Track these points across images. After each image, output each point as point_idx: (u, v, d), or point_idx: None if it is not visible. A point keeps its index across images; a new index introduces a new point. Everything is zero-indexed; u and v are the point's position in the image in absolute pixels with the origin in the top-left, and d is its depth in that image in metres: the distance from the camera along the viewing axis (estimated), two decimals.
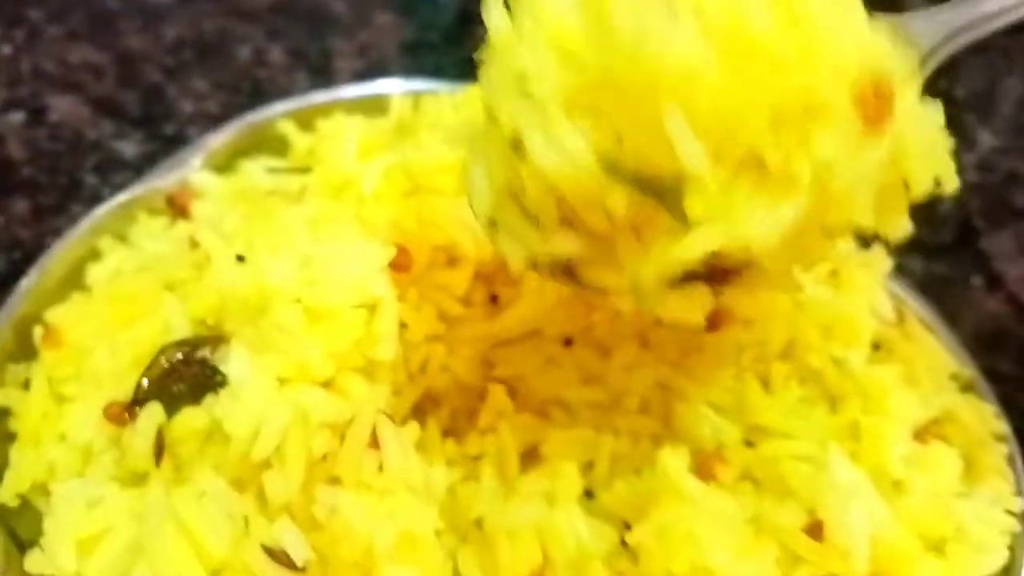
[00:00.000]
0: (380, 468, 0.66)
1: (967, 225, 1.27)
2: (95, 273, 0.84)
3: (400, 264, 0.74)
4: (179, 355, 0.71)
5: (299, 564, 0.62)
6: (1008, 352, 1.13)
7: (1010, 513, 0.79)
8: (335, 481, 0.66)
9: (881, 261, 0.89)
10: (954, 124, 1.51)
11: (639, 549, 0.66)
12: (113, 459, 0.70)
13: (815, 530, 0.68)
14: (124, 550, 0.64)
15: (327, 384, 0.67)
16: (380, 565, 0.62)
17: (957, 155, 1.46)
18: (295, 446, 0.65)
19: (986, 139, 1.43)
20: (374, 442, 0.66)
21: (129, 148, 1.10)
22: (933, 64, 0.68)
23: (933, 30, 0.68)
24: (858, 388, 0.79)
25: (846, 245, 0.86)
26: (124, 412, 0.69)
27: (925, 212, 1.31)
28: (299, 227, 0.75)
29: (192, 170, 0.93)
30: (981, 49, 1.36)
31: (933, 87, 1.61)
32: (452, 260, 0.81)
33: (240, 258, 0.73)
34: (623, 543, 0.68)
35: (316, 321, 0.68)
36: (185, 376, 0.70)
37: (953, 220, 1.28)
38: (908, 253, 1.22)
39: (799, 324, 0.81)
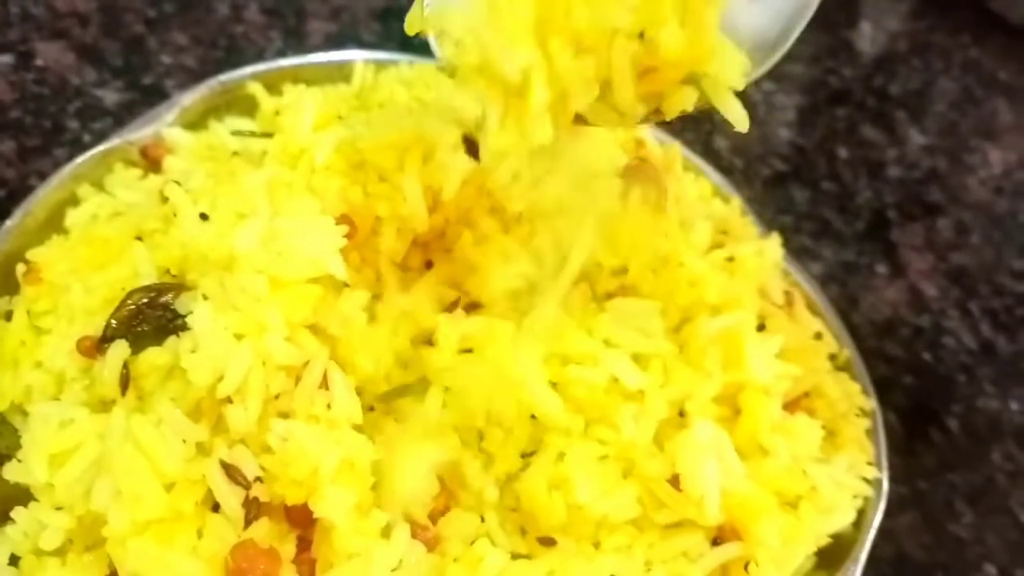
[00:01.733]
0: (328, 407, 0.77)
1: (881, 216, 1.38)
2: (73, 217, 0.94)
3: (346, 234, 0.85)
4: (145, 299, 0.81)
5: (250, 479, 0.74)
6: (899, 337, 1.25)
7: (863, 480, 0.93)
8: (287, 416, 0.77)
9: (774, 250, 1.00)
10: (885, 120, 1.64)
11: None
12: (83, 387, 0.81)
13: (676, 481, 0.81)
14: (90, 465, 0.75)
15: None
16: (323, 485, 0.73)
17: (882, 150, 1.58)
18: (256, 385, 0.75)
19: (914, 136, 1.52)
20: (324, 384, 0.78)
21: (110, 96, 1.19)
22: None
23: None
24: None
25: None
26: (94, 347, 0.80)
27: (842, 202, 1.42)
28: (258, 191, 0.85)
29: (166, 125, 1.02)
30: (919, 48, 1.49)
31: (868, 83, 1.71)
32: (392, 229, 0.92)
33: (204, 216, 0.83)
34: None
35: (277, 289, 0.78)
36: (149, 318, 0.81)
37: (868, 211, 1.39)
38: (821, 239, 1.34)
39: (692, 302, 0.92)
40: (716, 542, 0.83)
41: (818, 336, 0.99)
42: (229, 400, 0.76)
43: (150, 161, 1.00)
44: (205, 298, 0.78)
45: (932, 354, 1.25)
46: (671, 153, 1.02)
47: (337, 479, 0.74)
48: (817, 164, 1.42)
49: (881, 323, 1.25)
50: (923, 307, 1.29)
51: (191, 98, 1.06)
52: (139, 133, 1.02)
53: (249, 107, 1.08)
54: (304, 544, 0.76)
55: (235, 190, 0.85)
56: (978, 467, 1.15)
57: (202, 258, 0.81)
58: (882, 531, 0.97)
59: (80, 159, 0.99)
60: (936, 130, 1.53)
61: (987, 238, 1.39)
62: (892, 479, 0.97)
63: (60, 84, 1.18)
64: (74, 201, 0.97)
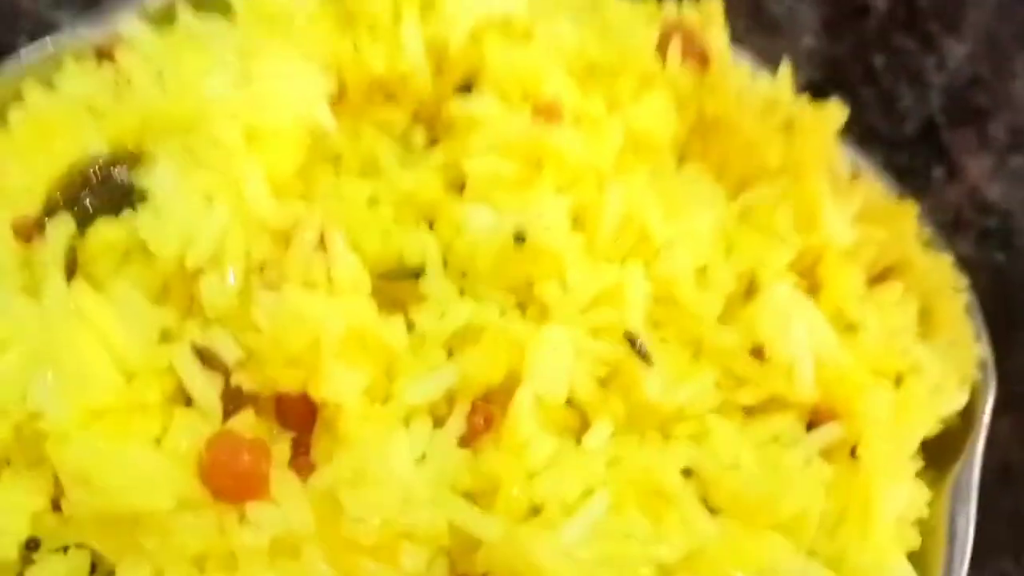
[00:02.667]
0: (328, 273, 0.62)
1: (929, 121, 1.26)
2: (16, 113, 0.80)
3: (335, 95, 0.71)
4: (93, 170, 0.67)
5: (229, 363, 0.59)
6: (967, 238, 1.12)
7: (970, 358, 0.78)
8: (275, 287, 0.61)
9: (837, 113, 0.86)
10: (918, 31, 1.49)
11: None
12: (24, 279, 0.66)
13: (758, 352, 0.66)
14: (28, 360, 0.60)
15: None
16: (326, 363, 0.58)
17: (919, 58, 1.43)
18: (234, 249, 0.61)
19: (952, 45, 1.41)
20: (321, 245, 0.62)
21: (64, 18, 1.06)
22: None
23: None
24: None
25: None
26: (33, 226, 0.65)
27: (886, 107, 1.29)
28: (227, 51, 0.71)
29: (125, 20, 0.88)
30: None
31: None
32: (390, 97, 0.78)
33: (162, 78, 0.69)
34: None
35: (256, 141, 0.65)
36: (99, 192, 0.66)
37: (915, 115, 1.26)
38: (869, 144, 1.20)
39: (750, 168, 0.78)
40: (811, 427, 0.67)
41: (900, 197, 0.84)
42: (202, 273, 0.61)
43: (105, 57, 0.86)
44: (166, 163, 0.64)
45: (1005, 255, 1.11)
46: (710, 8, 0.89)
47: (343, 355, 0.59)
48: (853, 72, 1.30)
49: (946, 225, 1.11)
50: (987, 209, 1.16)
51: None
52: (94, 31, 0.88)
53: (223, 9, 0.94)
54: (301, 448, 0.61)
55: (198, 49, 0.71)
56: None
57: (163, 121, 0.67)
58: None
59: (25, 55, 0.85)
60: (973, 38, 1.42)
61: None
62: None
63: (10, 6, 1.06)
64: (19, 98, 0.82)
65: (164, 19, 0.91)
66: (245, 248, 0.61)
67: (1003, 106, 1.32)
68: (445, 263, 0.68)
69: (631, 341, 0.62)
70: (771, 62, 1.30)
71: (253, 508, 0.55)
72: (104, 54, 0.86)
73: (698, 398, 0.65)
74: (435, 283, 0.66)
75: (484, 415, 0.61)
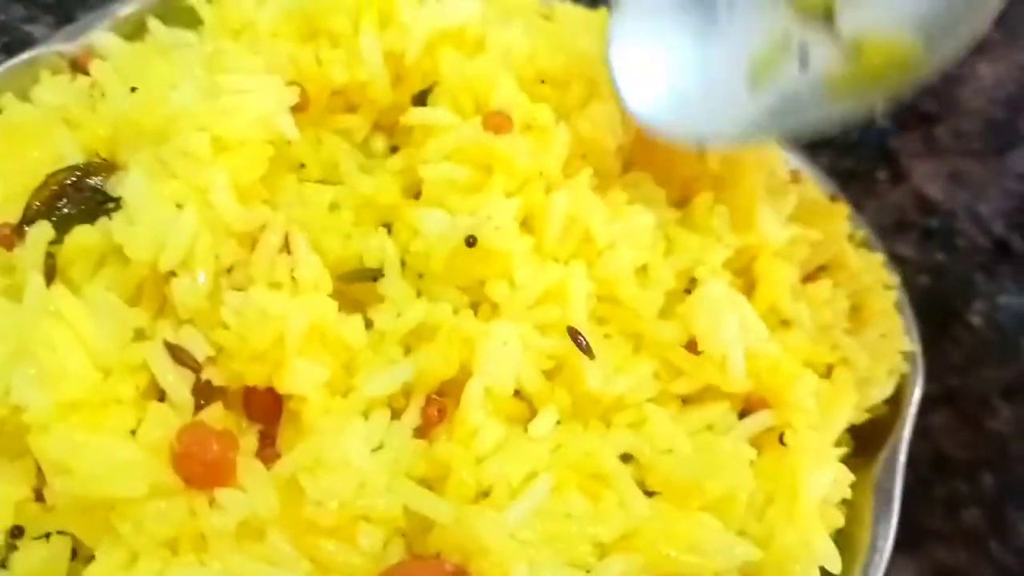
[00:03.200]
0: (292, 273, 0.66)
1: (875, 126, 1.30)
2: None
3: (298, 104, 0.75)
4: (70, 180, 0.71)
5: (200, 360, 0.63)
6: (909, 239, 1.17)
7: (899, 352, 0.83)
8: (242, 287, 0.66)
9: None
10: None
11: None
12: (5, 284, 0.70)
13: (693, 346, 0.70)
14: (9, 358, 0.63)
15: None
16: (290, 358, 0.62)
17: None
18: (203, 253, 0.65)
19: None
20: (285, 247, 0.67)
21: (40, 31, 1.09)
22: None
23: None
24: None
25: None
26: (13, 233, 0.69)
27: None
28: (195, 64, 0.75)
29: (97, 33, 0.92)
30: None
31: None
32: (351, 107, 0.82)
33: (134, 89, 0.73)
34: None
35: (223, 151, 0.68)
36: (75, 200, 0.70)
37: (861, 121, 1.30)
38: (816, 148, 1.25)
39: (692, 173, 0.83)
40: (743, 415, 0.72)
41: (834, 199, 0.89)
42: (173, 275, 0.65)
43: (80, 70, 0.90)
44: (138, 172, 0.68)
45: (946, 255, 1.16)
46: None
47: (305, 351, 0.63)
48: None
49: (889, 226, 1.17)
50: (931, 210, 1.21)
51: (127, 9, 0.96)
52: (69, 44, 0.92)
53: (190, 21, 0.97)
54: (267, 440, 0.65)
55: (167, 61, 0.75)
56: (1009, 362, 1.05)
57: (134, 131, 0.71)
58: (917, 430, 0.87)
59: (1, 67, 0.89)
60: None
61: (987, 144, 1.32)
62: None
63: None
64: None
65: (136, 32, 0.95)
66: (214, 252, 0.65)
67: (950, 111, 1.37)
68: (403, 264, 0.72)
69: (574, 336, 0.66)
70: None
71: (221, 494, 0.59)
72: (79, 67, 0.90)
73: (636, 388, 0.69)
74: (393, 284, 0.70)
75: (438, 407, 0.66)
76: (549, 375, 0.68)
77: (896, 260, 1.12)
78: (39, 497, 0.63)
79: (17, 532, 0.62)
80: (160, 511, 0.58)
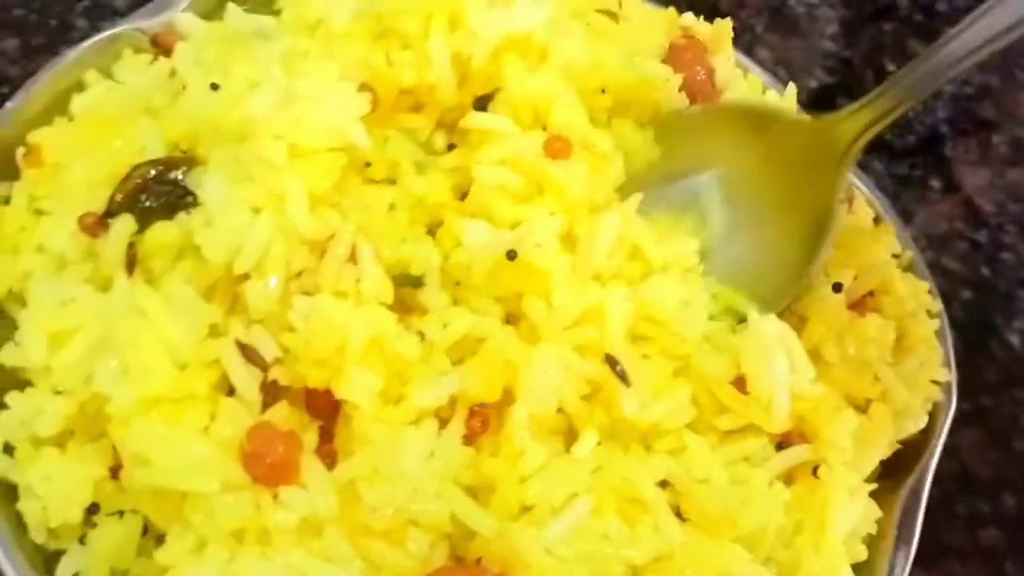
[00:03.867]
0: (357, 283, 0.70)
1: (933, 131, 1.30)
2: (79, 101, 0.87)
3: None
4: (152, 173, 0.74)
5: (268, 360, 0.67)
6: (955, 251, 1.18)
7: (935, 382, 0.85)
8: (310, 293, 0.69)
9: None
10: (933, 36, 1.55)
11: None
12: (88, 270, 0.74)
13: (741, 383, 0.73)
14: (92, 347, 0.68)
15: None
16: (349, 366, 0.66)
17: None
18: (277, 259, 0.68)
19: None
20: (352, 258, 0.70)
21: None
22: (855, 154, 0.81)
23: (850, 126, 0.80)
24: None
25: None
26: (97, 223, 0.73)
27: None
28: (273, 61, 0.78)
29: (178, 12, 0.94)
30: None
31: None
32: (417, 106, 0.84)
33: (215, 86, 0.76)
34: None
35: (297, 158, 0.71)
36: (157, 193, 0.74)
37: (920, 125, 1.30)
38: (871, 152, 1.26)
39: None
40: (780, 446, 0.75)
41: (876, 221, 0.90)
42: (247, 277, 0.69)
43: (161, 49, 0.93)
44: (215, 171, 0.71)
45: (991, 268, 1.17)
46: (721, 31, 0.94)
47: (364, 360, 0.67)
48: (864, 77, 1.34)
49: (937, 237, 1.18)
50: (980, 222, 1.21)
51: None
52: (150, 21, 0.95)
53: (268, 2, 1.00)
54: (327, 436, 0.70)
55: (248, 59, 0.78)
56: None
57: (213, 129, 0.74)
58: (945, 447, 0.90)
59: (87, 43, 0.91)
60: None
61: None
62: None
63: None
64: (80, 88, 0.89)
65: (215, 9, 0.97)
66: (286, 258, 0.69)
67: (1009, 118, 1.36)
68: (442, 271, 0.74)
69: (611, 364, 0.69)
70: (786, 63, 1.36)
71: (285, 492, 0.64)
72: (159, 44, 0.93)
73: (673, 415, 0.71)
74: (433, 294, 0.73)
75: (481, 419, 0.69)
76: (587, 396, 0.71)
77: (941, 272, 1.14)
78: (114, 475, 0.68)
79: (94, 509, 0.68)
80: (228, 504, 0.63)
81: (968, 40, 0.75)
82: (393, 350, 0.68)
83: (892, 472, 0.83)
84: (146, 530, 0.68)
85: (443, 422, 0.69)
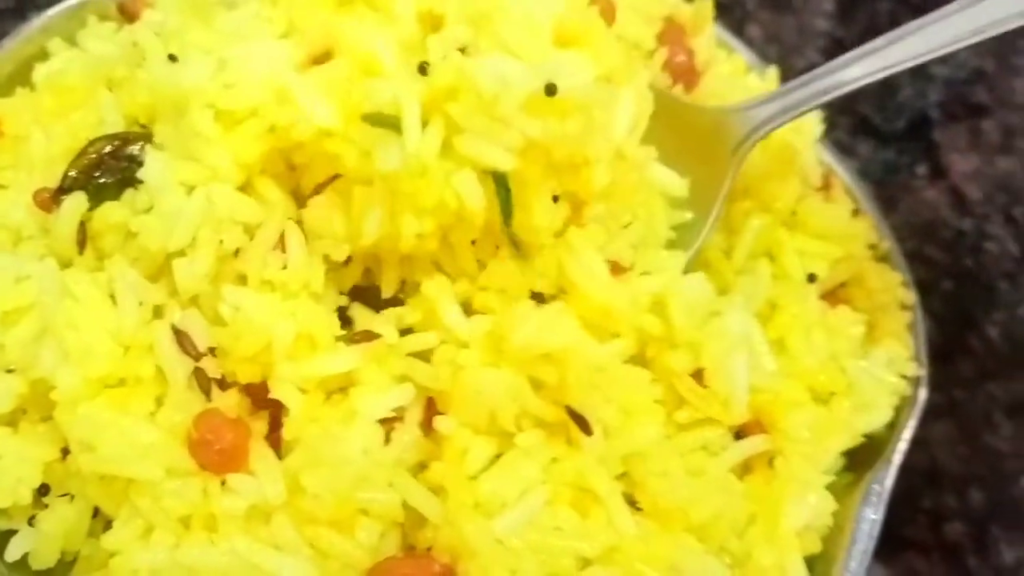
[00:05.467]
0: (284, 268, 0.68)
1: (922, 115, 1.28)
2: (42, 71, 0.85)
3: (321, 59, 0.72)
4: (108, 148, 0.73)
5: (201, 349, 0.66)
6: (939, 240, 1.16)
7: (902, 376, 0.84)
8: (242, 280, 0.68)
9: (811, 127, 0.91)
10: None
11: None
12: (43, 245, 0.73)
13: (700, 376, 0.72)
14: (37, 328, 0.67)
15: (243, 187, 0.69)
16: (278, 362, 0.65)
17: None
18: (206, 238, 0.67)
19: None
20: (281, 244, 0.68)
21: None
22: (747, 149, 0.82)
23: (746, 120, 0.82)
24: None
25: None
26: (52, 199, 0.72)
27: (882, 99, 1.32)
28: (233, 29, 0.75)
29: None
30: None
31: None
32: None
33: (172, 57, 0.74)
34: None
35: (229, 128, 0.68)
36: (112, 169, 0.72)
37: (910, 109, 1.28)
38: (857, 135, 1.24)
39: None
40: (739, 436, 0.74)
41: (855, 213, 0.89)
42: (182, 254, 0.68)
43: (128, 16, 0.91)
44: (159, 148, 0.70)
45: (974, 259, 1.15)
46: (701, 11, 0.92)
47: (294, 355, 0.66)
48: None
49: (920, 225, 1.16)
50: (965, 210, 1.19)
51: None
52: None
53: None
54: (277, 423, 0.69)
55: (207, 29, 0.76)
56: (1019, 378, 1.06)
57: (168, 104, 0.72)
58: (915, 440, 0.89)
59: (51, 11, 0.90)
60: None
61: None
62: (928, 387, 0.88)
63: None
64: (44, 57, 0.88)
65: None
66: (216, 238, 0.67)
67: (1002, 104, 1.33)
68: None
69: (573, 415, 0.67)
70: (778, 41, 1.33)
71: (233, 479, 0.63)
72: (126, 11, 0.91)
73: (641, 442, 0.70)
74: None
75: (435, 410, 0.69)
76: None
77: (923, 262, 1.13)
78: (65, 455, 0.68)
79: (44, 490, 0.67)
80: (175, 490, 0.63)
81: (877, 62, 0.82)
82: (327, 343, 0.67)
83: (856, 465, 0.82)
84: (96, 512, 0.68)
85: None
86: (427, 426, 0.68)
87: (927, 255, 1.14)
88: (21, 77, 0.86)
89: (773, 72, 1.00)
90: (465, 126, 0.64)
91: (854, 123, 1.24)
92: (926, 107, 1.29)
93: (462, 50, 0.67)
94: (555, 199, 0.70)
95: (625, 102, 0.70)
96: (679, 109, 0.85)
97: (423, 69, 0.66)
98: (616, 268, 0.74)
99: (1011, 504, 0.99)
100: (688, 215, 0.83)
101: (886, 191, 1.18)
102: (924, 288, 1.05)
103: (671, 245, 0.82)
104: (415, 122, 0.63)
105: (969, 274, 1.14)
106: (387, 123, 0.64)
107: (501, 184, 0.65)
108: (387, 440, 0.66)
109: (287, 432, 0.66)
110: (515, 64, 0.64)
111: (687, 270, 0.78)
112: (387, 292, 0.72)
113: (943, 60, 1.35)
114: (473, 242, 0.70)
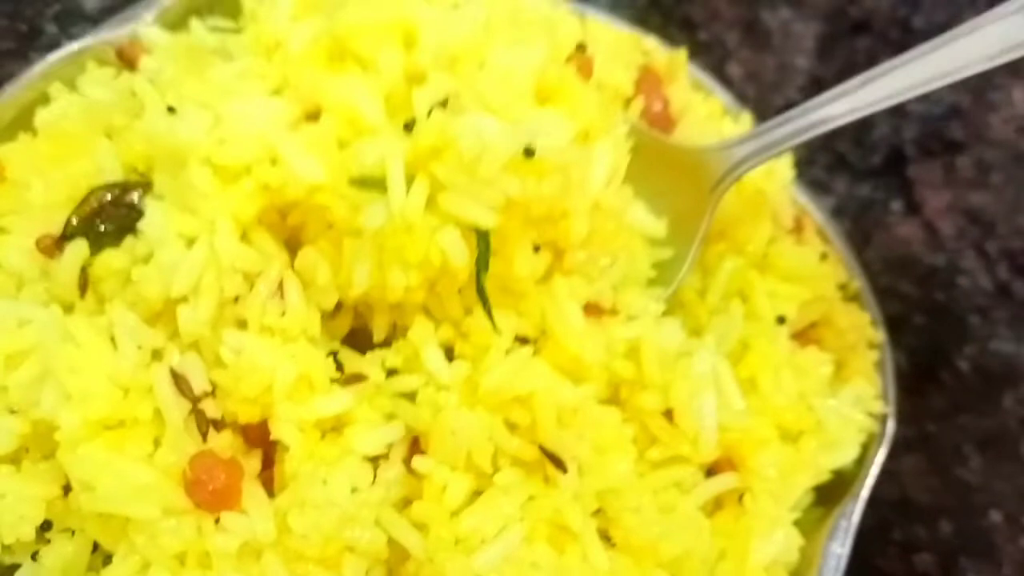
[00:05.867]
0: (283, 314, 0.71)
1: (898, 152, 1.32)
2: (43, 116, 0.88)
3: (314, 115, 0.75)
4: (108, 197, 0.76)
5: (197, 393, 0.69)
6: (912, 275, 1.20)
7: (870, 414, 0.88)
8: (242, 325, 0.71)
9: (783, 170, 0.94)
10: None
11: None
12: (44, 289, 0.76)
13: (669, 415, 0.76)
14: (41, 370, 0.70)
15: (241, 236, 0.72)
16: (278, 402, 0.69)
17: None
18: (208, 285, 0.70)
19: None
20: (280, 291, 0.72)
21: (90, 1, 1.13)
22: (724, 188, 0.85)
23: (724, 159, 0.85)
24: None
25: None
26: (54, 245, 0.75)
27: (858, 136, 1.36)
28: (228, 83, 0.79)
29: (144, 24, 0.96)
30: None
31: (891, 14, 1.63)
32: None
33: (171, 109, 0.77)
34: None
35: (226, 183, 0.71)
36: (113, 216, 0.76)
37: (885, 145, 1.32)
38: (834, 172, 1.28)
39: None
40: (710, 473, 0.78)
41: (824, 256, 0.93)
42: (185, 300, 0.71)
43: (126, 62, 0.94)
44: (159, 198, 0.73)
45: (946, 294, 1.19)
46: (675, 62, 0.96)
47: (293, 396, 0.69)
48: None
49: (894, 260, 1.20)
50: (938, 246, 1.23)
51: None
52: (116, 33, 0.96)
53: (234, 9, 1.00)
54: (270, 461, 0.72)
55: (203, 82, 0.79)
56: (989, 411, 1.10)
57: (166, 155, 0.76)
58: (886, 472, 0.93)
59: (52, 57, 0.93)
60: None
61: (1009, 178, 1.32)
62: (899, 420, 0.92)
63: None
64: (45, 101, 0.91)
65: (181, 20, 0.99)
66: (218, 286, 0.70)
67: (977, 139, 1.37)
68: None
69: (550, 455, 0.71)
70: (757, 79, 1.37)
71: (226, 517, 0.67)
72: (124, 57, 0.95)
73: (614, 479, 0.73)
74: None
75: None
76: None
77: (895, 297, 1.16)
78: (66, 492, 0.71)
79: (46, 526, 0.70)
80: (171, 528, 0.66)
81: (853, 102, 0.85)
82: (323, 385, 0.70)
83: (825, 500, 0.86)
84: (96, 547, 0.71)
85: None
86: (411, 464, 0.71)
87: (900, 290, 1.17)
88: (23, 122, 0.89)
89: (747, 117, 1.04)
90: (448, 184, 0.67)
91: (831, 160, 1.28)
92: (902, 143, 1.33)
93: (444, 103, 0.70)
94: (536, 249, 0.74)
95: (602, 156, 0.73)
96: (659, 148, 0.89)
97: (408, 127, 0.69)
98: (597, 310, 0.78)
99: (980, 536, 1.02)
100: (668, 252, 0.86)
101: (861, 227, 1.22)
102: (896, 323, 1.09)
103: (652, 283, 0.85)
104: (400, 182, 0.67)
105: (941, 308, 1.18)
106: (374, 185, 0.68)
107: (483, 240, 0.69)
108: (375, 477, 0.69)
109: (288, 468, 0.69)
110: (495, 124, 0.67)
111: (667, 304, 0.82)
112: (378, 337, 0.75)
113: (920, 97, 1.40)
114: (460, 290, 0.74)
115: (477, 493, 0.70)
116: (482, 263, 0.70)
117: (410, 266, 0.69)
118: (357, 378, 0.72)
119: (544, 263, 0.75)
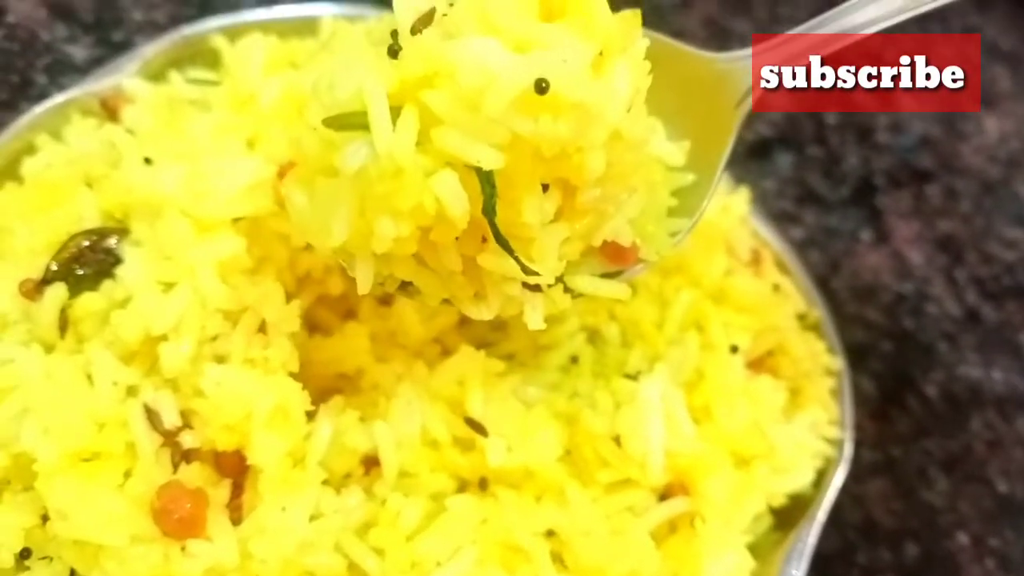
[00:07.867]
0: (265, 352, 0.76)
1: (867, 182, 1.35)
2: (29, 165, 0.93)
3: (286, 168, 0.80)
4: (86, 243, 0.80)
5: (167, 427, 0.73)
6: (880, 303, 1.23)
7: (825, 440, 0.90)
8: (223, 359, 0.75)
9: (739, 205, 0.98)
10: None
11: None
12: (27, 330, 0.80)
13: (619, 440, 0.79)
14: (21, 407, 0.74)
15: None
16: (255, 431, 0.72)
17: (872, 116, 1.47)
18: (191, 324, 0.74)
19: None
20: (263, 329, 0.76)
21: (79, 52, 1.18)
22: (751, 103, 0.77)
23: (750, 70, 0.76)
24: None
25: None
26: (35, 289, 0.79)
27: (827, 167, 1.39)
28: (203, 136, 0.84)
29: (127, 76, 1.01)
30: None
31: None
32: None
33: (148, 160, 0.82)
34: None
35: (204, 232, 0.77)
36: (91, 261, 0.80)
37: (854, 177, 1.35)
38: (803, 204, 1.31)
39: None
40: (664, 498, 0.81)
41: (776, 288, 0.96)
42: (165, 338, 0.75)
43: (109, 112, 0.99)
44: (136, 245, 0.78)
45: (914, 321, 1.22)
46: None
47: (270, 425, 0.73)
48: (804, 129, 1.39)
49: (861, 289, 1.23)
50: (907, 274, 1.26)
51: (154, 49, 1.05)
52: (100, 84, 1.01)
53: (214, 61, 1.06)
54: (238, 490, 0.75)
55: (179, 135, 0.84)
56: (955, 435, 1.12)
57: (142, 204, 0.81)
58: (851, 496, 0.95)
59: (39, 109, 0.98)
60: None
61: (978, 206, 1.36)
62: (865, 445, 0.95)
63: (30, 39, 1.17)
64: (32, 151, 0.96)
65: (163, 71, 1.04)
66: (200, 324, 0.75)
67: (946, 168, 1.40)
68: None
69: (470, 423, 0.76)
70: None
71: (192, 544, 0.70)
72: (108, 107, 1.00)
73: (538, 454, 0.77)
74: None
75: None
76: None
77: (863, 325, 1.19)
78: (45, 521, 0.75)
79: (26, 554, 0.74)
80: (140, 555, 0.69)
81: (880, 8, 0.74)
82: (298, 417, 0.74)
83: (784, 524, 0.88)
84: (73, 574, 0.74)
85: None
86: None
87: (867, 318, 1.20)
88: (10, 171, 0.94)
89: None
90: (444, 118, 0.57)
91: (800, 192, 1.31)
92: (871, 174, 1.36)
93: (431, 16, 0.60)
94: (544, 188, 0.64)
95: (620, 79, 0.61)
96: (678, 59, 0.79)
97: (393, 52, 0.59)
98: (618, 250, 0.71)
99: (946, 558, 1.04)
100: (690, 177, 0.79)
101: (830, 257, 1.25)
102: (863, 350, 1.12)
103: (673, 212, 0.78)
104: (385, 116, 0.56)
105: (908, 335, 1.20)
106: (353, 123, 0.57)
107: (487, 182, 0.59)
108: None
109: (263, 491, 0.73)
110: (500, 51, 0.57)
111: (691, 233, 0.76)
112: (363, 289, 0.66)
113: (890, 128, 1.43)
114: (457, 238, 0.64)
115: (431, 517, 0.73)
116: (490, 208, 0.60)
117: (400, 214, 0.59)
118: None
119: (554, 203, 0.64)
